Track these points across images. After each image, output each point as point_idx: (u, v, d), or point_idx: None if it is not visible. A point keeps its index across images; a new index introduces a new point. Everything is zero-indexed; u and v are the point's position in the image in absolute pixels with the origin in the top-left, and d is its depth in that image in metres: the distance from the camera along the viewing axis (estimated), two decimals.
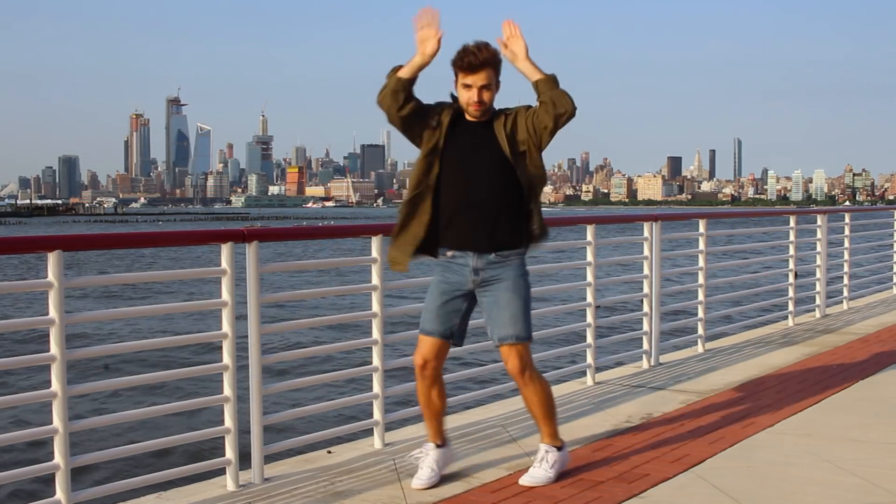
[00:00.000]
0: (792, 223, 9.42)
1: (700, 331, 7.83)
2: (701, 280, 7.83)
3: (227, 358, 4.30)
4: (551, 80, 4.04)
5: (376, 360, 4.98)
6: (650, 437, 5.09)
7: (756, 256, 10.23)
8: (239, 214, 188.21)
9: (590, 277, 6.54)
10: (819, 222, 9.90)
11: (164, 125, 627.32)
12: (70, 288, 3.84)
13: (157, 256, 48.54)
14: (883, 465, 4.56)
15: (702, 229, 7.85)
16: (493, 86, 4.08)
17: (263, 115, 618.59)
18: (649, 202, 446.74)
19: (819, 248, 9.80)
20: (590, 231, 6.53)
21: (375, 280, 4.99)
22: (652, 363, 7.10)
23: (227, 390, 4.29)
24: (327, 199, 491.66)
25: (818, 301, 9.83)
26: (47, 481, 3.81)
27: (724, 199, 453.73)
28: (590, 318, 6.55)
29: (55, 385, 3.71)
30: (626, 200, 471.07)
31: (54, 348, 3.71)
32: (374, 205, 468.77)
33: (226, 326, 4.30)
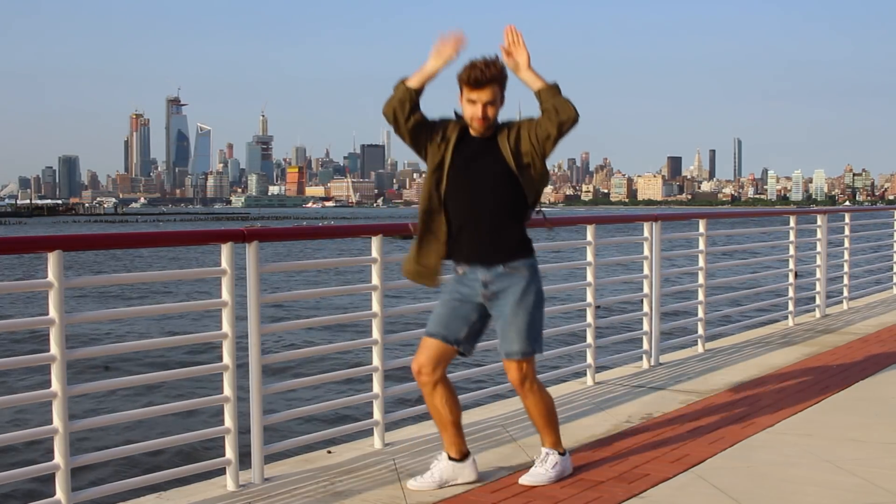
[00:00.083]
0: (792, 223, 9.42)
1: (700, 331, 7.83)
2: (701, 280, 7.83)
3: (227, 358, 4.30)
4: (553, 89, 4.04)
5: (376, 360, 4.98)
6: (650, 437, 5.09)
7: (756, 256, 10.23)
8: (239, 214, 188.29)
9: (590, 277, 6.54)
10: (819, 222, 9.90)
11: (164, 125, 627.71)
12: (70, 288, 3.84)
13: (157, 257, 48.53)
14: (883, 465, 4.56)
15: (702, 229, 7.85)
16: (497, 101, 4.09)
17: (263, 115, 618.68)
18: (649, 202, 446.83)
19: (819, 248, 9.80)
20: (590, 231, 6.53)
21: (375, 280, 4.99)
22: (652, 363, 7.11)
23: (227, 390, 4.29)
24: (327, 199, 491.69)
25: (818, 301, 9.83)
26: (47, 481, 3.82)
27: (724, 199, 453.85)
28: (590, 318, 6.55)
29: (55, 385, 3.71)
30: (626, 200, 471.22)
31: (54, 348, 3.71)
32: (374, 205, 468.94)
33: (226, 326, 4.30)
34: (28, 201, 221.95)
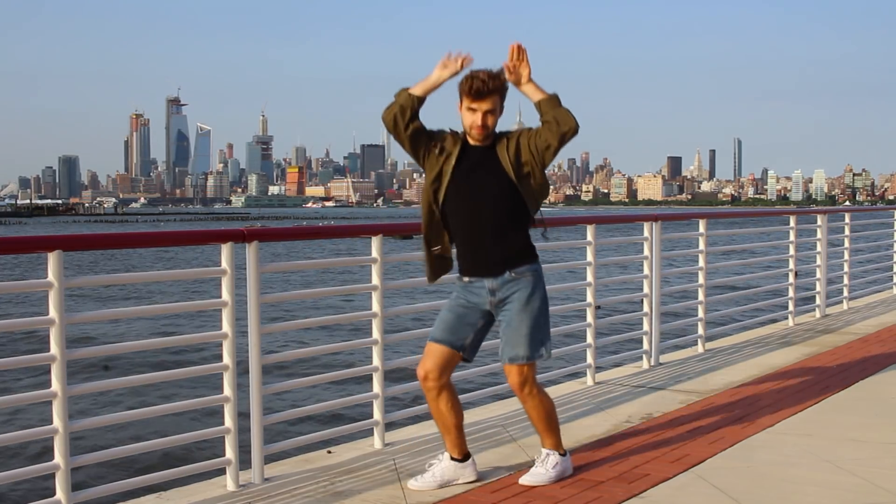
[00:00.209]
0: (792, 223, 9.42)
1: (700, 331, 7.83)
2: (701, 280, 7.83)
3: (227, 358, 4.29)
4: (554, 100, 4.07)
5: (376, 360, 4.98)
6: (650, 437, 5.09)
7: (756, 256, 10.23)
8: (239, 214, 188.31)
9: (590, 277, 6.54)
10: (819, 222, 9.90)
11: (164, 125, 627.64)
12: (70, 288, 3.84)
13: (157, 258, 48.51)
14: (883, 465, 4.55)
15: (702, 229, 7.85)
16: (497, 111, 4.11)
17: (263, 115, 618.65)
18: (649, 202, 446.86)
19: (819, 248, 9.80)
20: (590, 231, 6.53)
21: (375, 280, 4.99)
22: (652, 363, 7.11)
23: (227, 390, 4.29)
24: (327, 199, 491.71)
25: (818, 301, 9.83)
26: (47, 481, 3.81)
27: (724, 199, 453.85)
28: (590, 318, 6.55)
29: (55, 385, 3.71)
30: (626, 200, 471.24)
31: (54, 348, 3.71)
32: (374, 205, 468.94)
33: (226, 326, 4.30)
34: (28, 201, 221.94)
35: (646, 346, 7.11)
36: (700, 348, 7.79)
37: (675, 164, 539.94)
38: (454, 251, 4.26)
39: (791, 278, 9.28)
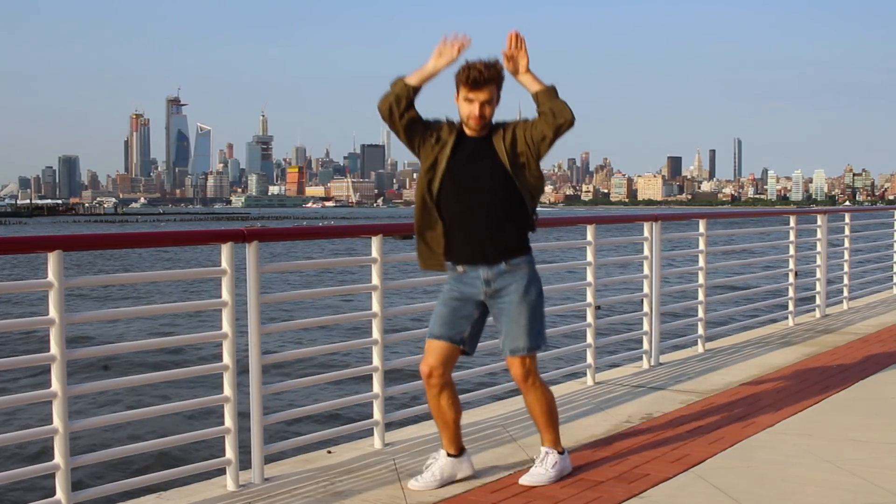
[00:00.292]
0: (792, 223, 9.42)
1: (700, 331, 7.83)
2: (701, 280, 7.83)
3: (227, 358, 4.29)
4: (551, 91, 4.05)
5: (376, 360, 4.98)
6: (650, 437, 5.09)
7: (756, 256, 10.23)
8: (239, 214, 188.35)
9: (590, 277, 6.54)
10: (819, 222, 9.90)
11: (164, 125, 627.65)
12: (69, 288, 3.84)
13: (157, 258, 48.51)
14: (883, 465, 4.55)
15: (702, 229, 7.85)
16: (494, 101, 4.09)
17: (263, 115, 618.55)
18: (649, 202, 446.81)
19: (819, 248, 9.79)
20: (590, 231, 6.53)
21: (375, 280, 4.99)
22: (652, 363, 7.10)
23: (227, 390, 4.29)
24: (327, 199, 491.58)
25: (818, 301, 9.83)
26: (47, 481, 3.81)
27: (724, 199, 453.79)
28: (590, 318, 6.55)
29: (55, 385, 3.71)
30: (626, 200, 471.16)
31: (54, 348, 3.71)
32: (374, 205, 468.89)
33: (226, 326, 4.30)
34: (28, 201, 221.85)
35: (646, 346, 7.11)
36: (700, 348, 7.79)
37: (675, 164, 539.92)
38: (446, 243, 4.19)
39: (791, 278, 9.28)
